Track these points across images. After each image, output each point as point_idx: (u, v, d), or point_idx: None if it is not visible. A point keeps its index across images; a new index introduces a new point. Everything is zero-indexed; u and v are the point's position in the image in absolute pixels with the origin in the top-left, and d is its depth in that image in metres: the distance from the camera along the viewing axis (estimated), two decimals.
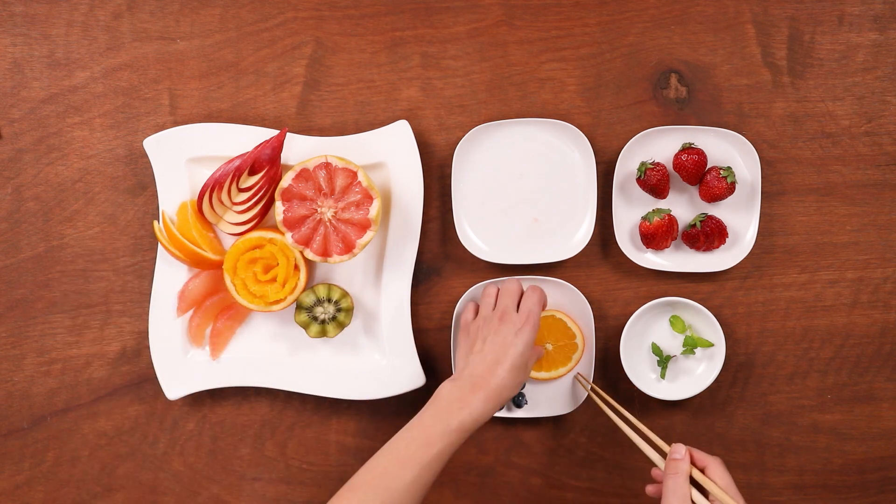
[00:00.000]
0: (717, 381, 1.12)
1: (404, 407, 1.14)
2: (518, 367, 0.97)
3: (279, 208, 1.04)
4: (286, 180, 1.04)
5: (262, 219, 1.08)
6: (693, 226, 1.09)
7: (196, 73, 1.12)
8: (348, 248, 1.04)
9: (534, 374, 1.11)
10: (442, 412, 0.94)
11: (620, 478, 1.14)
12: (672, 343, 1.12)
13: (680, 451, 0.94)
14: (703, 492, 0.92)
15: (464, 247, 1.11)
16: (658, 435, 1.13)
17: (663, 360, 1.11)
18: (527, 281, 1.11)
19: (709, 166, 1.10)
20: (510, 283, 1.04)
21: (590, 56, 1.12)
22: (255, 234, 1.07)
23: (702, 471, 0.94)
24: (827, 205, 1.13)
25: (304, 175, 1.04)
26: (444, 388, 0.96)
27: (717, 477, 0.93)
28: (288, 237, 1.05)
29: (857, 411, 1.14)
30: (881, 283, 1.13)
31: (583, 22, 1.12)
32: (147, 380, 1.13)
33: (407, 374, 1.10)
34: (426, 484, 0.92)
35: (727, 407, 1.14)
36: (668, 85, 1.12)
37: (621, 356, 1.10)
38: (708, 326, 1.10)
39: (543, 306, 1.03)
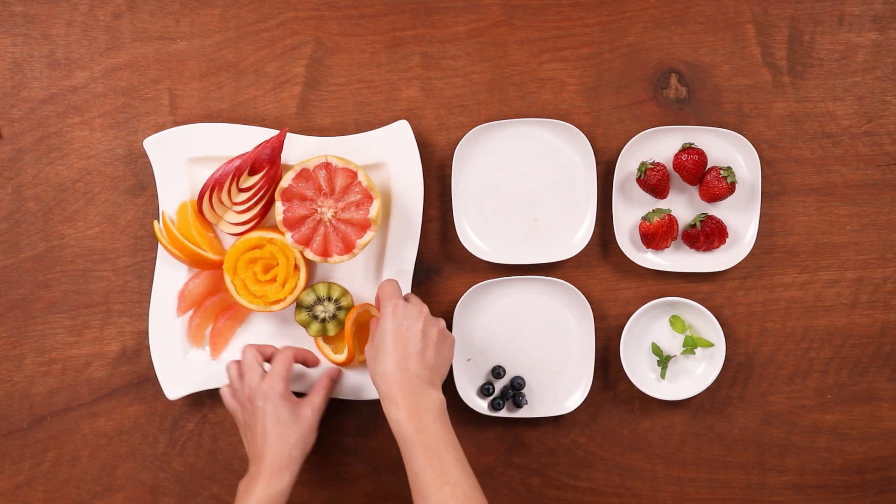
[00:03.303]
0: (717, 381, 1.12)
1: None
2: (279, 431, 0.99)
3: (279, 208, 1.04)
4: (286, 180, 1.04)
5: (262, 219, 1.08)
6: (693, 226, 1.09)
7: (196, 73, 1.12)
8: (348, 248, 1.04)
9: (359, 358, 1.09)
10: None
11: (620, 478, 1.14)
12: (672, 343, 1.12)
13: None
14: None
15: (464, 247, 1.11)
16: (658, 434, 1.14)
17: (663, 360, 1.11)
18: (527, 281, 1.11)
19: (709, 166, 1.10)
20: (247, 355, 1.04)
21: (590, 56, 1.12)
22: (255, 234, 1.07)
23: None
24: (827, 205, 1.13)
25: (304, 175, 1.04)
26: (238, 486, 1.00)
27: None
28: (288, 237, 1.05)
29: (857, 411, 1.14)
30: (881, 283, 1.13)
31: (583, 22, 1.12)
32: (147, 380, 1.13)
33: None
34: None
35: (727, 407, 1.14)
36: (668, 85, 1.12)
37: (621, 356, 1.10)
38: (708, 326, 1.10)
39: (297, 360, 1.06)
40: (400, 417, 0.93)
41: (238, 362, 1.05)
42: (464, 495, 0.90)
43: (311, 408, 1.03)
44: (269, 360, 1.06)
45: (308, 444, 1.02)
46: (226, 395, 1.05)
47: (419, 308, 1.00)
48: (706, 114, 1.12)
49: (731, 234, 1.11)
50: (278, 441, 0.98)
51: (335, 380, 1.07)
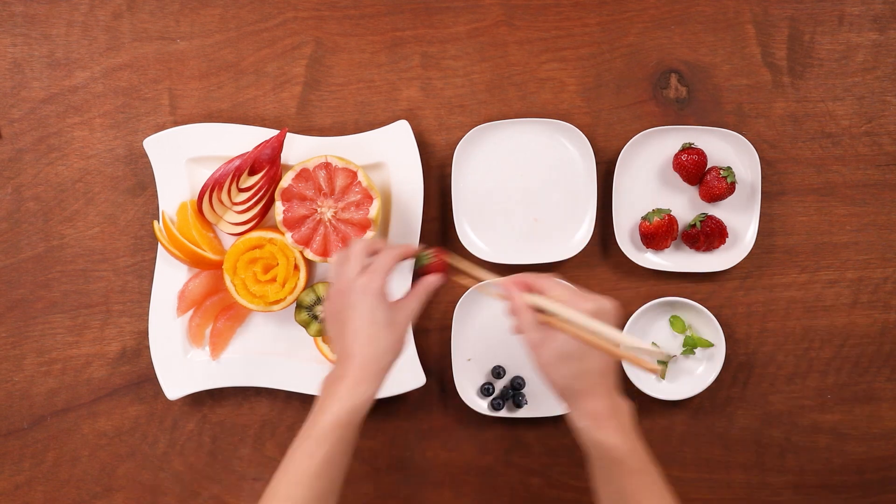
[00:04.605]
0: (717, 381, 1.12)
1: (404, 407, 1.14)
2: (372, 331, 0.88)
3: (279, 208, 1.04)
4: (286, 180, 1.04)
5: (262, 219, 1.08)
6: (693, 226, 1.09)
7: (196, 73, 1.12)
8: None
9: None
10: (317, 412, 0.88)
11: None
12: (672, 343, 1.13)
13: (507, 291, 0.90)
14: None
15: (464, 247, 1.11)
16: (659, 435, 1.14)
17: (663, 361, 1.11)
18: None
19: (709, 166, 1.10)
20: (355, 246, 0.93)
21: (590, 56, 1.12)
22: (255, 234, 1.07)
23: (542, 292, 0.89)
24: (827, 205, 1.13)
25: (303, 175, 1.04)
26: (323, 383, 0.90)
27: (556, 292, 0.87)
28: (288, 237, 1.05)
29: (857, 411, 1.14)
30: (881, 283, 1.13)
31: (583, 22, 1.12)
32: (147, 380, 1.13)
33: (407, 374, 1.10)
34: (327, 490, 0.87)
35: (727, 407, 1.14)
36: (668, 85, 1.12)
37: None
38: (708, 326, 1.10)
39: (407, 255, 0.95)
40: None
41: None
42: None
43: (405, 313, 0.92)
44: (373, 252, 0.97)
45: (398, 351, 0.91)
46: (333, 262, 0.96)
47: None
48: (706, 114, 1.12)
49: (731, 234, 1.11)
50: (370, 342, 0.88)
51: (431, 290, 0.96)
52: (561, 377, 0.86)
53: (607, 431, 0.85)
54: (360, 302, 0.89)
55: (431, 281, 0.96)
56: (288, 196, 1.04)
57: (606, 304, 0.86)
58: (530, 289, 0.90)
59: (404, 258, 0.95)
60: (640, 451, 0.87)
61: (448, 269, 0.99)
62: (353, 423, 0.87)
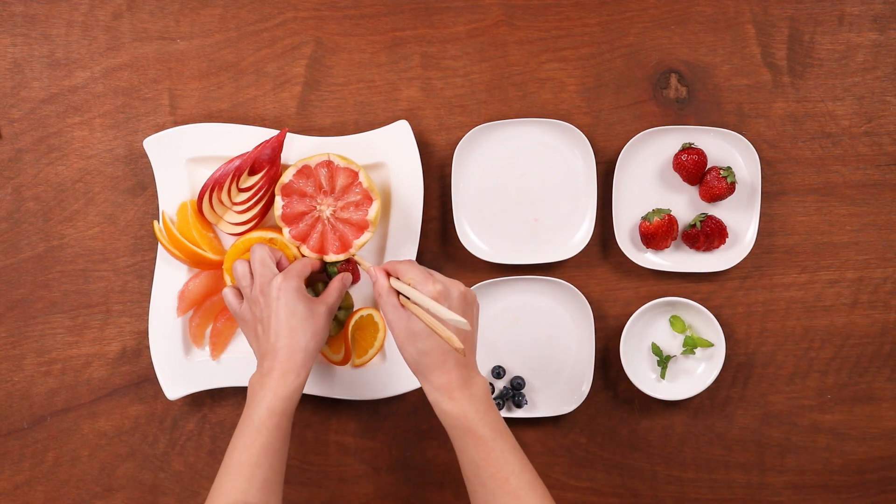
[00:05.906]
0: (717, 381, 1.12)
1: (404, 407, 1.14)
2: (294, 323, 0.95)
3: (278, 203, 1.04)
4: (287, 176, 1.04)
5: (262, 219, 1.08)
6: (693, 226, 1.09)
7: (196, 73, 1.12)
8: (345, 247, 1.04)
9: (356, 360, 1.10)
10: (250, 407, 0.94)
11: (620, 478, 1.14)
12: (672, 343, 1.12)
13: (372, 275, 0.97)
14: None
15: (464, 247, 1.11)
16: (658, 434, 1.14)
17: (663, 360, 1.11)
18: (526, 281, 1.11)
19: (709, 166, 1.10)
20: (258, 252, 1.00)
21: (590, 56, 1.12)
22: (255, 233, 1.07)
23: (398, 276, 0.96)
24: (827, 205, 1.13)
25: (305, 172, 1.04)
26: (249, 382, 0.96)
27: (410, 275, 0.93)
28: (286, 232, 1.05)
29: (857, 411, 1.14)
30: (881, 283, 1.13)
31: (583, 22, 1.12)
32: (147, 380, 1.13)
33: (407, 374, 1.10)
34: (269, 478, 0.91)
35: (727, 407, 1.14)
36: (668, 85, 1.12)
37: (621, 356, 1.10)
38: (708, 326, 1.10)
39: (316, 267, 1.03)
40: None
41: (247, 260, 1.02)
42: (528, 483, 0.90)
43: (326, 305, 0.99)
44: (276, 263, 1.02)
45: (322, 340, 0.98)
46: (228, 296, 1.02)
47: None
48: (706, 114, 1.12)
49: (731, 234, 1.11)
50: (292, 334, 0.95)
51: (347, 284, 1.05)
52: (409, 354, 0.92)
53: (456, 402, 0.90)
54: (278, 299, 0.96)
55: (347, 277, 1.05)
56: (288, 192, 1.04)
57: (454, 288, 0.92)
58: (392, 273, 0.96)
59: (314, 268, 1.04)
60: (492, 422, 0.91)
61: (356, 269, 1.08)
62: (286, 412, 0.93)
